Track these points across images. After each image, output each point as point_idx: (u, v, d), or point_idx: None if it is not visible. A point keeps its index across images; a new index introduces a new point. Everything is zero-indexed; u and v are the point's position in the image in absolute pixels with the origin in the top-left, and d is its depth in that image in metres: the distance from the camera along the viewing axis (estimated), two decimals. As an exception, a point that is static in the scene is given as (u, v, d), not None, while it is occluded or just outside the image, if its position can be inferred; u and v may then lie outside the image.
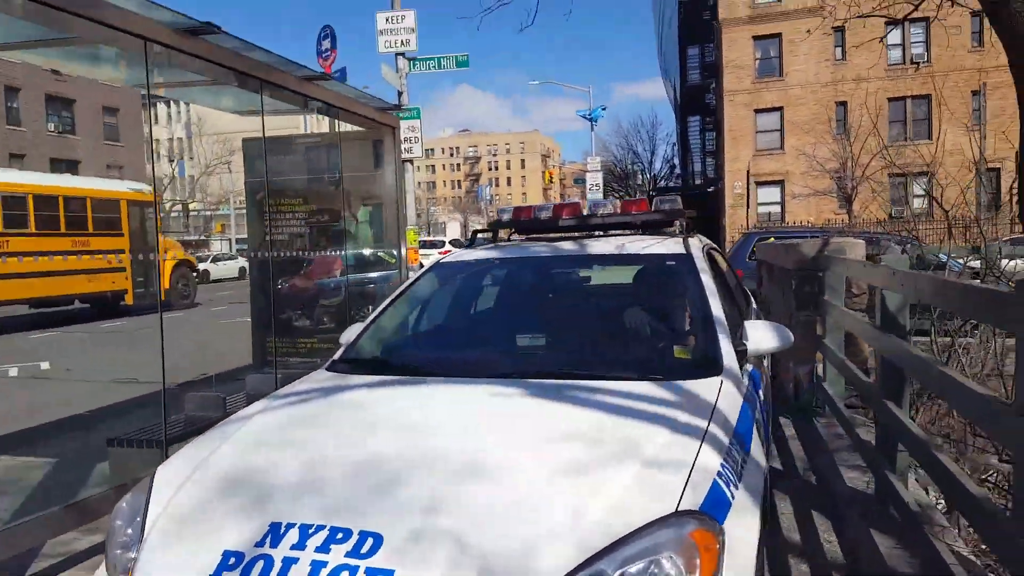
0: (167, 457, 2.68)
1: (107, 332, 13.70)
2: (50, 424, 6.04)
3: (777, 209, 30.46)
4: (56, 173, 21.99)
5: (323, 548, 1.65)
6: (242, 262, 30.99)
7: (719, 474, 1.88)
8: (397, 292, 3.41)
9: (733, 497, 1.85)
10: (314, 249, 6.80)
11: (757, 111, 30.62)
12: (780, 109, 30.24)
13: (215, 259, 33.39)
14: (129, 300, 17.07)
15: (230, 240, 42.98)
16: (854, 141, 22.23)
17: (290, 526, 1.72)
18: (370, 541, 1.65)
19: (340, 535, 1.67)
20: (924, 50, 28.10)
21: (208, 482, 1.99)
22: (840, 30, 24.97)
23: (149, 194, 17.69)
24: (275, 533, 1.71)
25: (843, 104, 28.76)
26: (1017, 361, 2.09)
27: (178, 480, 2.01)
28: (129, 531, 1.92)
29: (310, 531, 1.70)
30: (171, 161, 46.16)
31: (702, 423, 2.07)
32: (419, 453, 1.99)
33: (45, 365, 9.60)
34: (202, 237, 44.79)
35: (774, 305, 6.83)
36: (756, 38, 30.08)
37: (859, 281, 5.48)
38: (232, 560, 1.68)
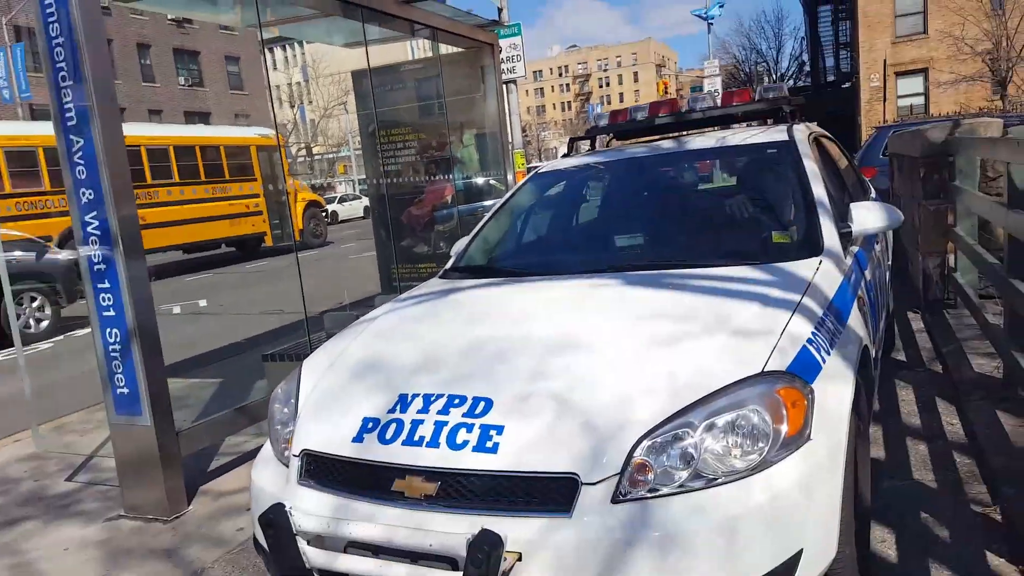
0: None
1: (252, 272, 14.96)
2: (212, 351, 6.85)
3: (920, 101, 27.62)
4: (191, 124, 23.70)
5: (443, 411, 1.92)
6: (366, 201, 32.33)
7: (809, 341, 1.97)
8: (499, 203, 3.59)
9: (824, 362, 1.94)
10: (426, 176, 7.03)
11: (895, -9, 27.57)
12: (923, -14, 27.07)
13: (341, 200, 34.90)
14: (268, 241, 18.42)
15: (353, 181, 44.80)
16: (1010, 15, 19.58)
17: (415, 396, 2.01)
18: (483, 404, 1.91)
19: (457, 400, 1.94)
20: None
21: (345, 368, 2.31)
22: None
23: (275, 139, 18.71)
24: (403, 402, 2.01)
25: (999, -27, 25.30)
26: None
27: (321, 368, 2.35)
28: (286, 410, 2.26)
29: (432, 399, 1.98)
30: (292, 106, 48.15)
31: (795, 296, 2.16)
32: (522, 334, 2.23)
33: (203, 303, 10.72)
34: (327, 180, 46.99)
35: (904, 200, 6.38)
36: (893, -96, 26.80)
37: (994, 163, 5.03)
38: (370, 424, 1.99)
